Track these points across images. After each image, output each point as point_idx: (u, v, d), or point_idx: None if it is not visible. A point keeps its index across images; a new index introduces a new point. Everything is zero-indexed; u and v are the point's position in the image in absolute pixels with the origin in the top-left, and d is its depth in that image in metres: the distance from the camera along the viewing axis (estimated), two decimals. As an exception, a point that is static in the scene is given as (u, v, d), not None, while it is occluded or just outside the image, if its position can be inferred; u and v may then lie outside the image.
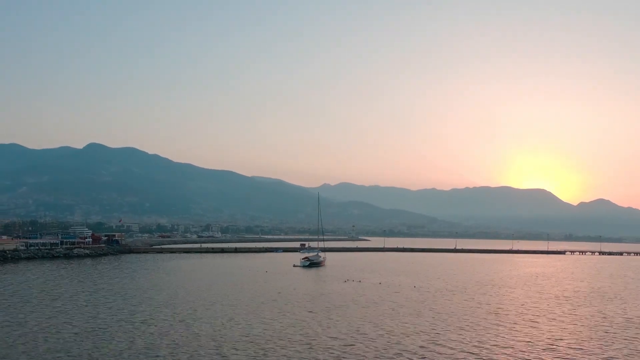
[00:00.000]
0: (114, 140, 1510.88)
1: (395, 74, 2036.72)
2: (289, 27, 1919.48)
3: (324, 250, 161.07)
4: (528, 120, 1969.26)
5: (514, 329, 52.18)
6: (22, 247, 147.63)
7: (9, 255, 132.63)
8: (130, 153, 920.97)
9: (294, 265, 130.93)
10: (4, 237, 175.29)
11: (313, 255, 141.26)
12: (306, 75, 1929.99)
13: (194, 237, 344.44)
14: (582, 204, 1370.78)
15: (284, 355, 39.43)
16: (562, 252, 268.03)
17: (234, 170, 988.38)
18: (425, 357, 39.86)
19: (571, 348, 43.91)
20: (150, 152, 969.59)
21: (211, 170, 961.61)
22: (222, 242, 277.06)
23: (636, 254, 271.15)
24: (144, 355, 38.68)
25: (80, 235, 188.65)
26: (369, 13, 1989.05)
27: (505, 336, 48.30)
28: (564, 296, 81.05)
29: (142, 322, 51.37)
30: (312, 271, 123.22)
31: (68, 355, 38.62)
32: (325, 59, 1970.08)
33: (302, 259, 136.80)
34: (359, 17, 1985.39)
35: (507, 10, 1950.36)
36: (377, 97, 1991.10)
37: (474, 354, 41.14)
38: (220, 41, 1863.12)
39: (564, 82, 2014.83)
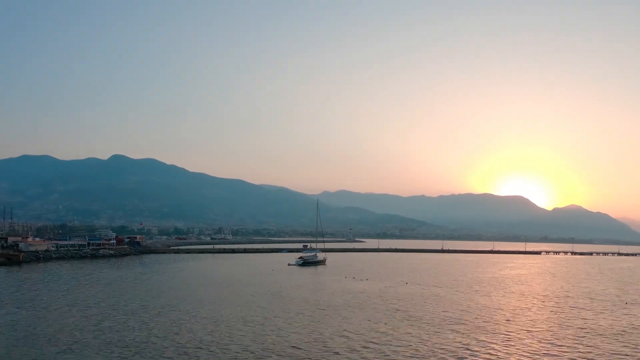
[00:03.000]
0: (136, 151, 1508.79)
1: (389, 90, 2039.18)
2: (291, 47, 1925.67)
3: (324, 250, 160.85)
4: (510, 134, 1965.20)
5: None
6: (53, 248, 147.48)
7: (41, 256, 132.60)
8: (150, 163, 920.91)
9: (289, 264, 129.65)
10: (37, 239, 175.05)
11: (308, 255, 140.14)
12: (308, 93, 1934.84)
13: (208, 239, 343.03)
14: (556, 209, 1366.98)
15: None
16: (539, 253, 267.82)
17: (243, 179, 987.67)
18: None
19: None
20: (168, 162, 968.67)
21: (223, 179, 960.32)
22: (233, 244, 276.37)
23: (605, 254, 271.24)
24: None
25: (105, 238, 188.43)
26: (360, 25, 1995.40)
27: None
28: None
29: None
30: (319, 269, 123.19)
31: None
32: (325, 78, 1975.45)
33: (297, 258, 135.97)
34: (351, 32, 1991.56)
35: (496, 16, 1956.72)
36: (372, 112, 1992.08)
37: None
38: (230, 63, 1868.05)
39: (543, 97, 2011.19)
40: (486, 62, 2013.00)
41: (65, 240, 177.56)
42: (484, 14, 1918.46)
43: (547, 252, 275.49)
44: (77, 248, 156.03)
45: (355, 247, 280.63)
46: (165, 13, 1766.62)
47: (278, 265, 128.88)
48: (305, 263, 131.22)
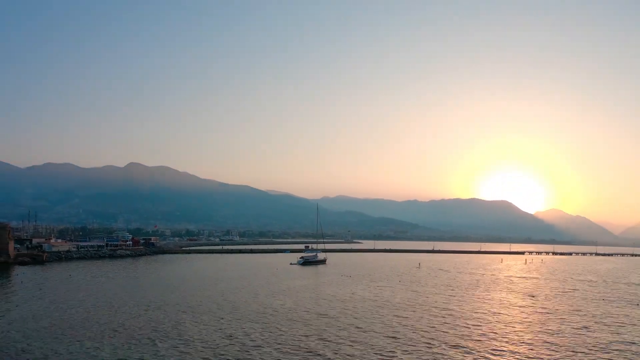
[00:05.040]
0: (150, 159, 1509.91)
1: (385, 103, 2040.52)
2: (294, 65, 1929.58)
3: (325, 251, 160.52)
4: (493, 143, 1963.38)
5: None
6: (74, 249, 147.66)
7: (63, 256, 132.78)
8: (163, 170, 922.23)
9: (291, 264, 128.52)
10: (59, 240, 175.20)
11: (309, 255, 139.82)
12: (310, 107, 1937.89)
13: (217, 240, 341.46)
14: (538, 213, 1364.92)
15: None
16: (522, 253, 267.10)
17: (249, 185, 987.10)
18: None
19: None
20: (181, 169, 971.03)
21: (231, 184, 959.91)
22: (240, 245, 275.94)
23: (583, 254, 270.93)
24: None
25: (122, 239, 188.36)
26: (354, 41, 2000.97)
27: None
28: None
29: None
30: (320, 268, 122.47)
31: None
32: (326, 93, 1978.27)
33: (299, 257, 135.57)
34: (349, 48, 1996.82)
35: (491, 24, 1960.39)
36: (368, 124, 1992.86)
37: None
38: (239, 79, 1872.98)
39: (526, 106, 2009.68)
40: (474, 71, 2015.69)
41: (85, 241, 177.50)
42: (469, 22, 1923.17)
43: (530, 253, 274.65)
44: (96, 249, 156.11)
45: (353, 247, 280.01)
46: (178, 28, 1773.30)
47: (282, 265, 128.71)
48: (306, 262, 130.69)
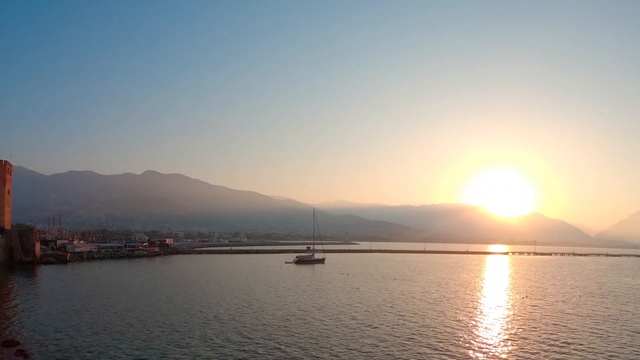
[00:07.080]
0: (165, 167, 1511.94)
1: (380, 120, 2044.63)
2: (299, 82, 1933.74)
3: (325, 251, 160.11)
4: (480, 153, 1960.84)
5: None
6: (95, 250, 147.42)
7: (85, 256, 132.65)
8: (177, 177, 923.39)
9: (286, 262, 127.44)
10: (82, 242, 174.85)
11: (304, 255, 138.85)
12: (312, 121, 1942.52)
13: (226, 242, 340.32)
14: (520, 216, 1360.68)
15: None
16: (506, 253, 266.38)
17: (256, 191, 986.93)
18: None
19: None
20: (193, 177, 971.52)
21: (239, 190, 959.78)
22: (247, 246, 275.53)
23: (562, 254, 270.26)
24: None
25: (140, 241, 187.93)
26: (356, 58, 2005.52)
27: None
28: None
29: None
30: (317, 267, 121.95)
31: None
32: (327, 112, 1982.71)
33: (295, 257, 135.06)
34: (351, 65, 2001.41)
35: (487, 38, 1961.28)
36: (366, 136, 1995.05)
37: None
38: (246, 94, 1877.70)
39: (510, 115, 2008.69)
40: (462, 90, 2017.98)
41: (105, 242, 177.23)
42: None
43: (513, 253, 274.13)
44: (116, 249, 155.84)
45: (351, 248, 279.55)
46: (186, 43, 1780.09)
47: (283, 264, 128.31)
48: (300, 261, 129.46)
